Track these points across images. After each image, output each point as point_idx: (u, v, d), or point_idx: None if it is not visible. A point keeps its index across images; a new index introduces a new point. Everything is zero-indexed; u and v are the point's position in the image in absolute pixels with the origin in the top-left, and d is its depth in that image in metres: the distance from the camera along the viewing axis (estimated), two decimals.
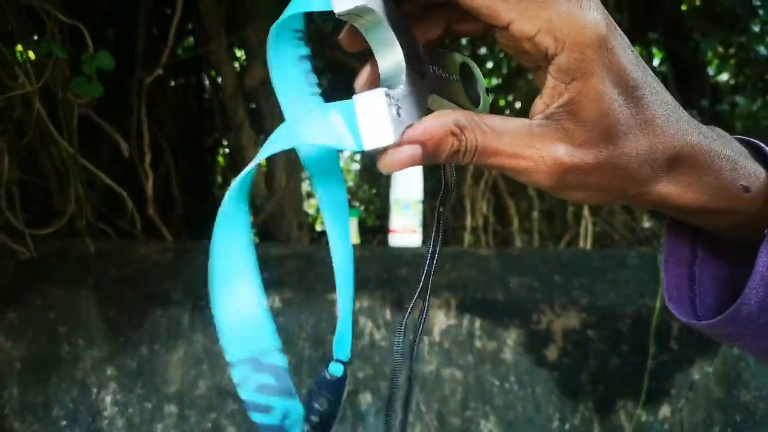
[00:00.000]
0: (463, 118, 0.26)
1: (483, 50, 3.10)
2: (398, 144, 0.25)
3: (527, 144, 0.26)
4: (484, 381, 1.12)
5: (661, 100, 0.28)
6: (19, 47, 1.44)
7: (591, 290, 1.16)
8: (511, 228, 1.92)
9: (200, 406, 1.18)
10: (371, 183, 3.77)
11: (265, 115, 1.91)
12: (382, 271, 1.22)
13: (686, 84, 2.49)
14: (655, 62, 2.67)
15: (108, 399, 1.21)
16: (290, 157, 1.92)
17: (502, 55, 2.92)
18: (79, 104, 1.36)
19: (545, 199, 2.30)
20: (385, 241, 1.60)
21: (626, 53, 0.26)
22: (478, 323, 1.13)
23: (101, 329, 1.23)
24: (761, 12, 2.35)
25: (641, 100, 0.27)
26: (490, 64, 3.14)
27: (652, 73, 0.28)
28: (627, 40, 0.27)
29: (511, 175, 0.27)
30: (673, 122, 0.28)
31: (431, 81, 0.29)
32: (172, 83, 2.21)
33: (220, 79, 1.94)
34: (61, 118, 1.31)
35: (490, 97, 0.30)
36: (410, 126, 0.25)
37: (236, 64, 2.12)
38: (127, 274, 1.27)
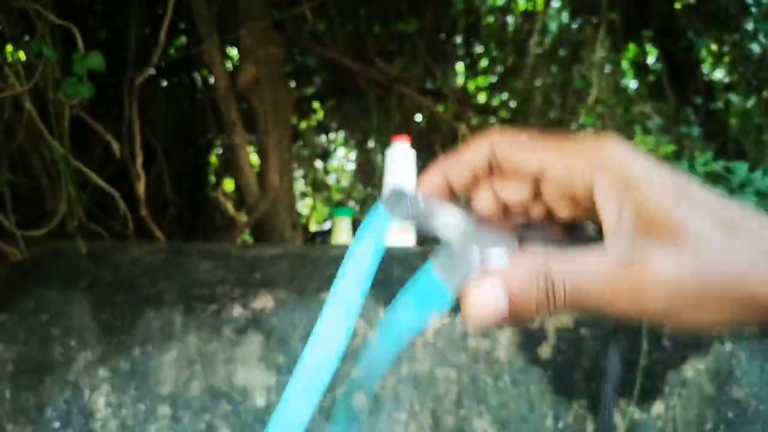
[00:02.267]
0: (526, 270, 0.26)
1: (479, 49, 3.10)
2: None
3: (617, 275, 0.25)
4: (478, 380, 1.13)
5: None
6: (10, 48, 1.44)
7: None
8: None
9: (194, 408, 1.18)
10: (366, 183, 3.77)
11: (258, 114, 1.91)
12: (376, 270, 1.22)
13: (680, 82, 2.50)
14: (650, 60, 2.68)
15: (101, 400, 1.21)
16: (283, 157, 1.91)
17: (496, 54, 2.93)
18: (70, 105, 1.35)
19: None
20: None
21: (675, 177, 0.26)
22: None
23: (94, 331, 1.22)
24: (754, 10, 2.36)
25: (718, 218, 0.25)
26: (485, 62, 3.14)
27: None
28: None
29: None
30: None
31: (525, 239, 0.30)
32: (165, 83, 2.20)
33: (212, 79, 1.93)
34: (52, 119, 1.30)
35: None
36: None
37: (229, 64, 2.11)
38: (119, 276, 1.27)
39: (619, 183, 0.25)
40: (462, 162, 0.30)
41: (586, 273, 0.25)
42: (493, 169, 0.29)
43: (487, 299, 0.26)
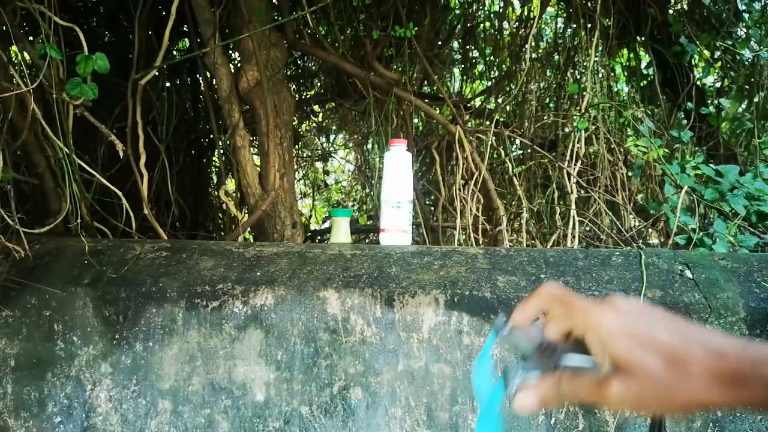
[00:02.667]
0: (550, 385, 0.49)
1: (475, 54, 3.13)
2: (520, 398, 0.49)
3: (595, 392, 0.46)
4: (472, 376, 1.15)
5: (690, 345, 0.44)
6: (14, 48, 1.46)
7: (576, 288, 1.18)
8: (500, 227, 1.94)
9: (194, 402, 1.20)
10: (364, 184, 3.79)
11: (260, 116, 1.93)
12: (373, 269, 1.24)
13: (672, 87, 2.53)
14: (642, 65, 2.71)
15: (102, 395, 1.23)
16: (284, 158, 1.94)
17: (492, 58, 2.95)
18: (74, 105, 1.37)
19: (534, 199, 2.33)
20: (376, 240, 1.62)
21: (641, 329, 0.46)
22: (466, 320, 1.15)
23: (96, 327, 1.24)
24: (746, 16, 2.39)
25: (671, 356, 0.44)
26: (481, 67, 3.17)
27: (668, 320, 0.47)
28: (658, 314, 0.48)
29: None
30: (702, 357, 0.44)
31: (565, 348, 0.50)
32: (168, 85, 2.22)
33: (214, 81, 1.95)
34: (57, 119, 1.32)
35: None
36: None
37: (231, 66, 2.14)
38: (121, 272, 1.28)
39: (599, 341, 0.47)
40: (529, 308, 0.53)
41: (580, 387, 0.47)
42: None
43: (527, 401, 0.49)
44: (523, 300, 0.54)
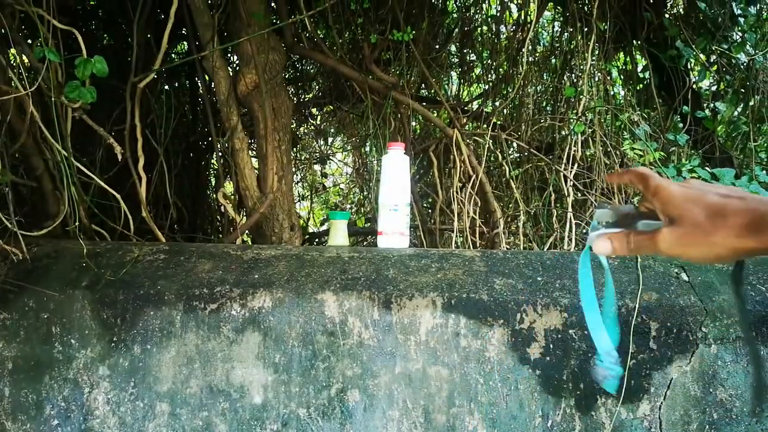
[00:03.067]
0: (621, 237, 0.62)
1: (473, 57, 3.14)
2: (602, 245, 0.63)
3: (649, 240, 0.60)
4: (469, 378, 1.15)
5: (731, 200, 0.54)
6: (13, 51, 1.46)
7: (573, 291, 1.19)
8: (497, 230, 1.95)
9: (192, 405, 1.20)
10: (361, 187, 3.79)
11: (258, 119, 1.93)
12: (371, 271, 1.25)
13: (669, 90, 2.54)
14: (639, 69, 2.72)
15: (100, 398, 1.23)
16: (282, 161, 1.94)
17: (489, 62, 2.96)
18: (72, 108, 1.37)
19: (530, 202, 2.33)
20: (374, 243, 1.62)
21: (695, 191, 0.57)
22: (463, 322, 1.16)
23: (94, 329, 1.24)
24: (742, 20, 2.40)
25: (713, 207, 0.54)
26: (478, 70, 3.18)
27: (723, 188, 0.57)
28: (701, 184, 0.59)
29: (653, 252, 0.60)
30: (737, 209, 0.53)
31: (641, 217, 0.63)
32: (166, 88, 2.22)
33: (213, 84, 1.96)
34: (55, 122, 1.33)
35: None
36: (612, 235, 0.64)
37: (229, 69, 2.14)
38: (119, 275, 1.28)
39: (662, 202, 0.58)
40: (620, 177, 0.67)
41: (641, 241, 0.60)
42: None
43: (603, 246, 0.63)
44: (615, 174, 0.67)
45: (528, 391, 1.14)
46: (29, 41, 1.53)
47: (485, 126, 2.34)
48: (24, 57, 1.43)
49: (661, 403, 1.12)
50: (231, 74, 1.97)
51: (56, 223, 1.38)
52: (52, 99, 1.33)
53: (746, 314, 0.62)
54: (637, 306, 1.14)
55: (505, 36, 2.94)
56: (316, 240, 3.53)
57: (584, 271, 0.69)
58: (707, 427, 1.11)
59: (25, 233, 1.31)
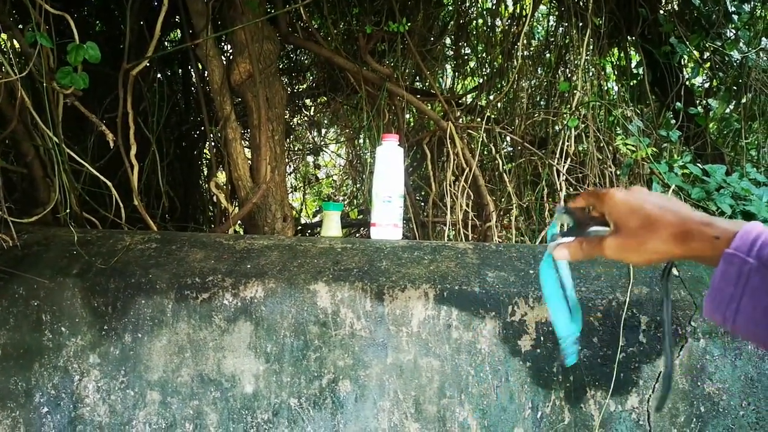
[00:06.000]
0: (575, 244, 0.70)
1: (468, 50, 3.14)
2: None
3: (598, 246, 0.67)
4: (460, 370, 1.16)
5: (663, 212, 0.61)
6: (4, 36, 1.44)
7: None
8: (490, 223, 1.96)
9: (183, 394, 1.20)
10: (355, 179, 3.79)
11: (251, 109, 1.92)
12: (364, 263, 1.25)
13: (662, 86, 2.55)
14: (633, 65, 2.73)
15: (90, 386, 1.23)
16: (275, 151, 1.93)
17: (483, 55, 2.96)
18: (64, 94, 1.36)
19: (523, 196, 2.34)
20: (367, 235, 1.62)
21: (635, 202, 0.64)
22: (455, 314, 1.16)
23: (85, 317, 1.24)
24: (735, 18, 2.41)
25: (648, 219, 0.62)
26: (473, 64, 3.18)
27: (661, 199, 0.64)
28: (643, 191, 0.66)
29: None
30: (666, 222, 0.61)
31: (595, 222, 0.70)
32: (159, 76, 2.21)
33: (206, 73, 1.94)
34: (46, 108, 1.31)
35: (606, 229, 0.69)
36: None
37: (223, 58, 2.12)
38: (111, 263, 1.28)
39: (609, 211, 0.66)
40: (579, 200, 0.73)
41: (591, 246, 0.68)
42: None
43: (560, 252, 0.71)
44: (577, 197, 0.74)
45: (518, 383, 1.15)
46: (20, 26, 1.51)
47: (479, 119, 2.34)
48: (15, 42, 1.41)
49: (650, 396, 1.13)
50: (225, 63, 1.96)
51: (47, 211, 1.37)
52: (44, 85, 1.31)
53: (670, 306, 0.72)
54: (627, 300, 1.15)
55: (500, 29, 2.93)
56: (309, 231, 3.53)
57: (546, 272, 0.77)
58: (694, 419, 1.12)
59: (16, 220, 1.30)
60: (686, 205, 0.63)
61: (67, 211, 1.36)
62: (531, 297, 1.17)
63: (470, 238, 2.00)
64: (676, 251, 0.59)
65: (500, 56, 2.85)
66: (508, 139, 2.60)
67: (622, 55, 2.73)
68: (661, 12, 2.52)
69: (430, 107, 2.59)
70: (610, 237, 0.65)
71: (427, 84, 2.91)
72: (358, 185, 3.72)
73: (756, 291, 0.52)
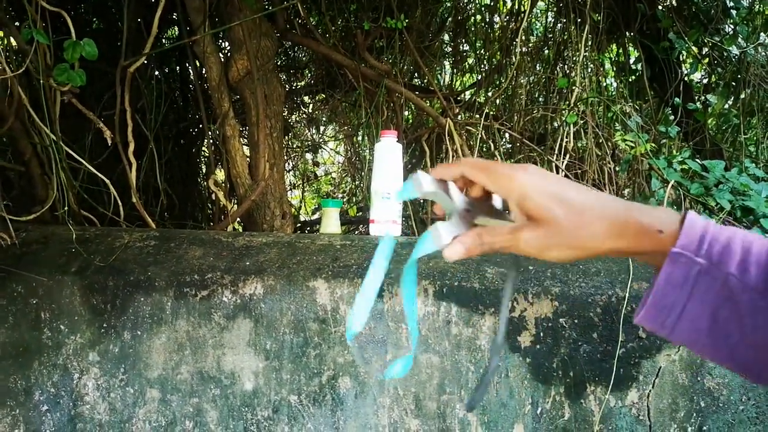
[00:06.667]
0: (473, 237, 0.54)
1: (467, 47, 3.13)
2: (450, 244, 0.55)
3: (509, 240, 0.53)
4: (460, 366, 1.16)
5: (590, 201, 0.51)
6: (0, 33, 1.44)
7: (563, 280, 1.19)
8: None
9: (182, 391, 1.20)
10: (353, 176, 3.78)
11: (250, 106, 1.92)
12: (363, 259, 1.25)
13: (660, 82, 2.55)
14: (631, 60, 2.72)
15: (90, 384, 1.22)
16: (273, 148, 1.93)
17: (482, 52, 2.95)
18: (61, 91, 1.36)
19: None
20: (366, 233, 1.62)
21: (553, 187, 0.52)
22: (454, 310, 1.16)
23: (84, 315, 1.23)
24: (734, 13, 2.41)
25: (574, 208, 0.51)
26: (471, 60, 3.17)
27: (575, 185, 0.53)
28: (553, 176, 0.54)
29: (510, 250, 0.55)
30: (599, 211, 0.50)
31: (477, 211, 0.58)
32: (157, 73, 2.20)
33: (204, 70, 1.94)
34: (44, 105, 1.31)
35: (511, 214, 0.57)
36: (458, 236, 0.55)
37: (221, 55, 2.12)
38: (109, 261, 1.27)
39: (518, 197, 0.52)
40: (449, 170, 0.57)
41: (497, 238, 0.54)
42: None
43: (454, 250, 0.55)
44: (446, 164, 0.58)
45: (518, 378, 1.15)
46: (17, 23, 1.50)
47: (478, 116, 2.34)
48: (12, 39, 1.40)
49: (650, 391, 1.13)
50: (222, 60, 1.95)
51: (45, 208, 1.37)
52: (41, 82, 1.31)
53: (513, 282, 0.62)
54: (627, 295, 1.15)
55: (498, 26, 2.93)
56: (308, 229, 3.53)
57: (410, 276, 0.63)
58: (694, 414, 1.12)
59: (14, 218, 1.30)
60: (600, 192, 0.54)
61: (65, 208, 1.36)
62: (531, 293, 1.17)
63: None
64: (611, 246, 0.51)
65: (498, 52, 2.85)
66: (506, 135, 2.60)
67: (620, 50, 2.73)
68: (660, 7, 2.52)
69: (428, 104, 2.59)
70: (528, 229, 0.52)
71: (425, 80, 2.91)
72: (356, 182, 3.71)
73: (703, 296, 0.46)
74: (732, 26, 2.42)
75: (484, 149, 2.54)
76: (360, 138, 3.31)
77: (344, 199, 3.89)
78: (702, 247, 0.47)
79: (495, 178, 0.54)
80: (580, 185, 0.53)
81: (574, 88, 2.19)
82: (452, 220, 0.56)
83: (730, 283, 0.45)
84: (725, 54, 2.47)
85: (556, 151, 2.12)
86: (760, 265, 0.45)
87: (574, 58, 2.33)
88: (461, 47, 3.14)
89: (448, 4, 2.96)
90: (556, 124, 2.49)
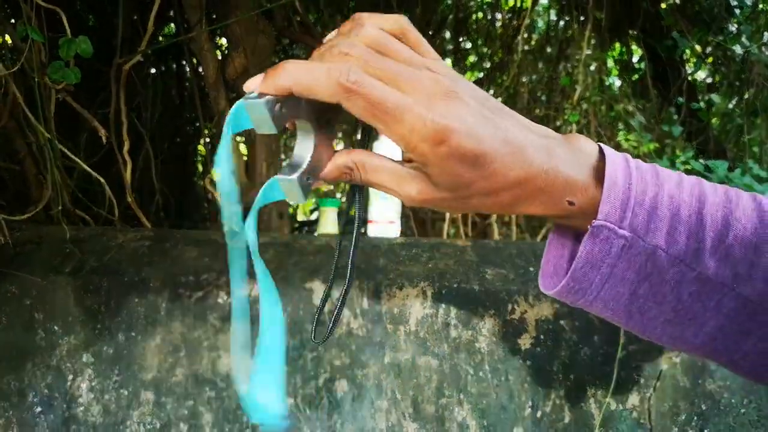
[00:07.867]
0: (353, 160, 0.41)
1: (468, 45, 3.11)
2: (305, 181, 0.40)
3: (397, 183, 0.40)
4: (459, 369, 1.14)
5: (508, 144, 0.37)
6: None
7: None
8: (490, 220, 1.94)
9: (177, 394, 1.18)
10: None
11: None
12: (360, 260, 1.23)
13: (664, 81, 2.53)
14: (634, 59, 2.71)
15: (84, 386, 1.21)
16: (271, 147, 1.91)
17: (483, 50, 2.94)
18: (56, 89, 1.34)
19: None
20: (364, 232, 1.60)
21: (465, 121, 0.36)
22: (453, 312, 1.15)
23: (78, 316, 1.22)
24: (738, 12, 2.39)
25: (481, 160, 0.36)
26: (473, 58, 3.16)
27: (508, 110, 0.41)
28: (475, 100, 0.38)
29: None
30: (515, 160, 0.37)
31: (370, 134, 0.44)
32: (153, 71, 2.18)
33: (201, 68, 1.92)
34: (38, 104, 1.29)
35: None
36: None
37: (218, 53, 2.10)
38: (104, 262, 1.26)
39: (417, 148, 0.37)
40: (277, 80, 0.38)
41: (383, 176, 0.40)
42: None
43: (330, 171, 0.41)
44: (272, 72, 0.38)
45: (518, 381, 1.13)
46: (12, 20, 1.49)
47: None
48: (6, 36, 1.39)
49: (651, 394, 1.12)
50: (219, 58, 1.94)
51: (39, 208, 1.35)
52: (36, 80, 1.29)
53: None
54: None
55: (500, 23, 2.91)
56: (306, 229, 3.51)
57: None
58: (696, 418, 1.12)
59: (7, 218, 1.28)
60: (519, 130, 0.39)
61: (60, 208, 1.34)
62: (531, 295, 1.15)
63: (469, 236, 1.98)
64: (521, 208, 0.40)
65: (500, 50, 2.83)
66: None
67: (623, 49, 2.71)
68: (663, 6, 2.50)
69: None
70: (422, 181, 0.39)
71: None
72: None
73: (624, 272, 0.39)
74: (736, 25, 2.40)
75: None
76: (358, 136, 3.30)
77: (342, 199, 3.88)
78: (626, 215, 0.38)
79: (393, 124, 0.37)
80: (502, 117, 0.40)
81: (576, 86, 2.17)
82: (301, 144, 0.41)
83: (658, 257, 0.39)
84: (729, 53, 2.45)
85: None
86: (690, 233, 0.39)
87: (577, 57, 2.31)
88: (462, 45, 3.12)
89: (449, 1, 2.94)
90: (558, 123, 2.47)
